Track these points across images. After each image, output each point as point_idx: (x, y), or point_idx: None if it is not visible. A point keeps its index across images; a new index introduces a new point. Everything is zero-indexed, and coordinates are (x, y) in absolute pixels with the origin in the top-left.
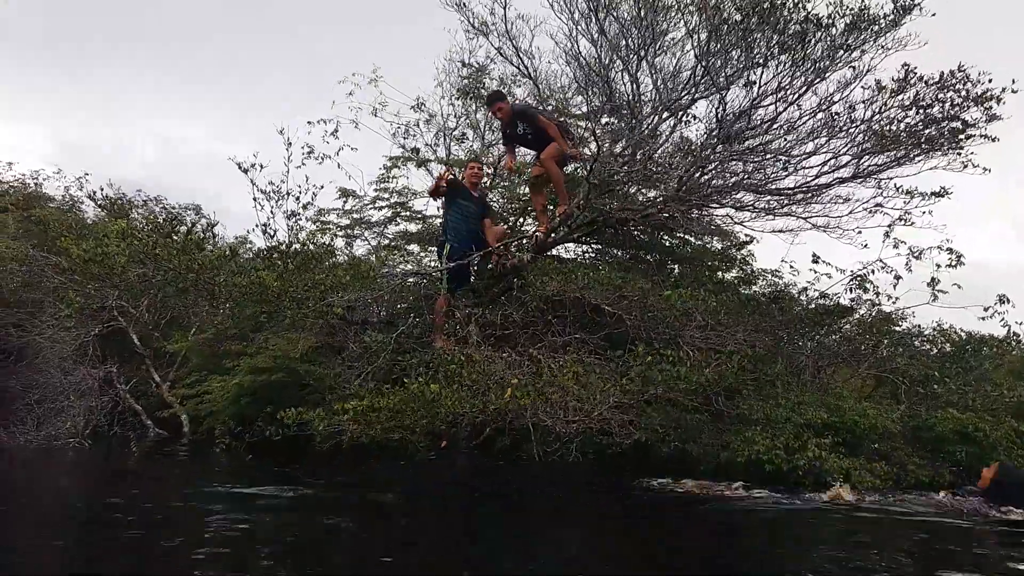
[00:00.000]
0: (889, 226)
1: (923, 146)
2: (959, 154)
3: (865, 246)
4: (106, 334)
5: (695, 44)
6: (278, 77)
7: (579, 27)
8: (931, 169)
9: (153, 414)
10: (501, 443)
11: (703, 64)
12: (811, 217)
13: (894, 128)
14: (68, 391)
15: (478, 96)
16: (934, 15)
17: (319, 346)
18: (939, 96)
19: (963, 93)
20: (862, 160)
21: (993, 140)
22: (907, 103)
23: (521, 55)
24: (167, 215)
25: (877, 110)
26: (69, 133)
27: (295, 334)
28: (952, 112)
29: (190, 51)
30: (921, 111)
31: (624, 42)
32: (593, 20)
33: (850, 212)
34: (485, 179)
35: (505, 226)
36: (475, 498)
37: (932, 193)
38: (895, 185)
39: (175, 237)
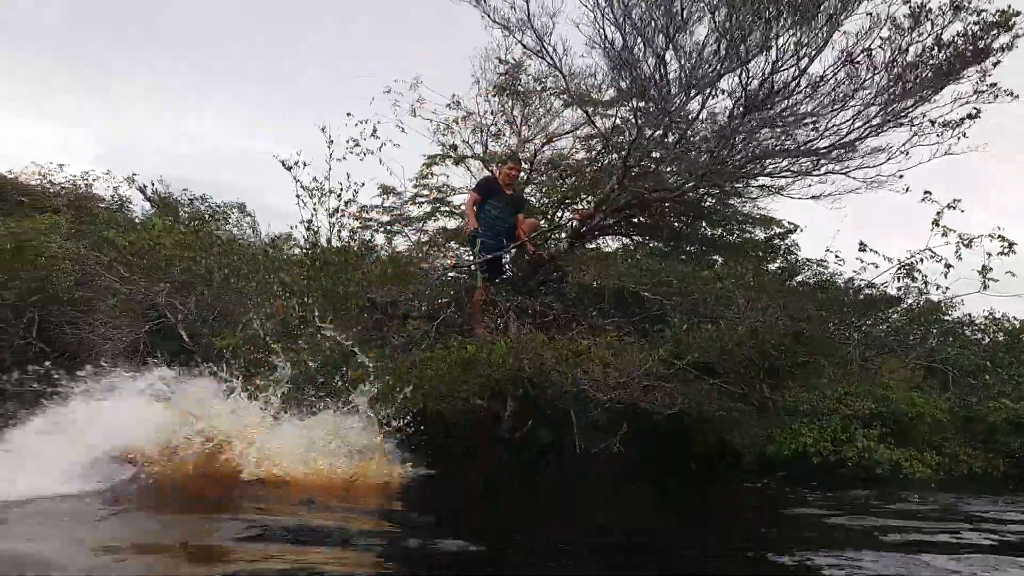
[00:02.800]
0: (938, 212)
1: (949, 79)
2: (983, 78)
3: (907, 190)
4: (155, 331)
5: (715, 21)
6: (313, 72)
7: (604, 13)
8: (963, 103)
9: None
10: (544, 438)
11: (726, 39)
12: (850, 171)
13: (917, 70)
14: None
15: (514, 93)
16: None
17: (364, 340)
18: (956, 28)
19: (980, 22)
20: (889, 106)
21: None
22: (927, 40)
23: (545, 45)
24: (212, 213)
25: (896, 50)
26: (111, 133)
27: (339, 328)
28: (972, 42)
29: (229, 51)
30: (941, 49)
31: (650, 23)
32: (617, 3)
33: (888, 159)
34: (523, 174)
35: (541, 219)
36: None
37: (966, 116)
38: (929, 121)
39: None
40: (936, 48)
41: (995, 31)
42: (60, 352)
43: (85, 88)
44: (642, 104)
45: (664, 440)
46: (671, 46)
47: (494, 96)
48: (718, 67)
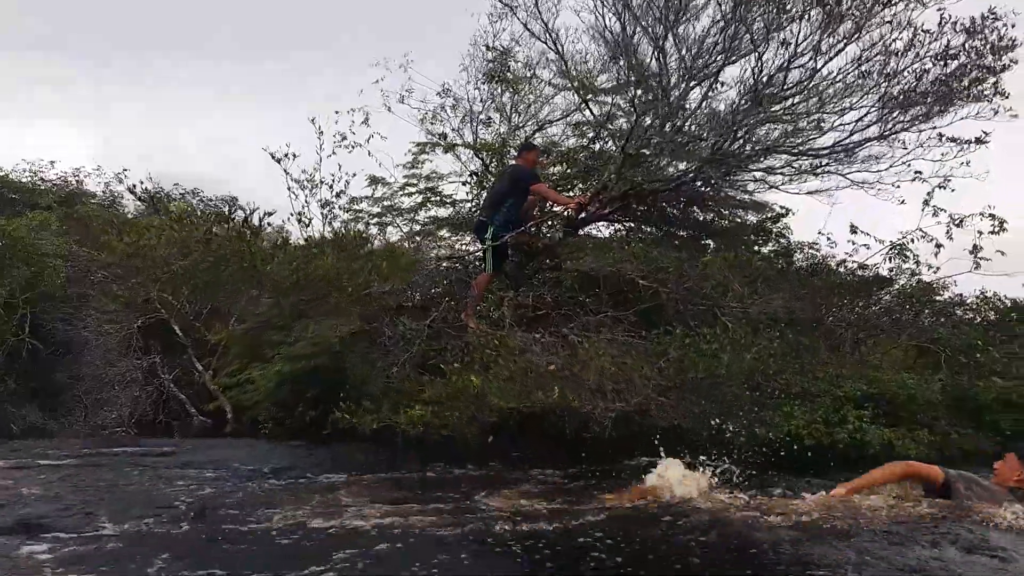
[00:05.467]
0: (928, 193)
1: (944, 102)
2: (978, 100)
3: (902, 202)
4: (148, 326)
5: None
6: (301, 63)
7: (604, 1)
8: (962, 119)
9: (197, 403)
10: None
11: (730, 30)
12: (849, 173)
13: (919, 84)
14: (114, 382)
15: (503, 79)
16: None
17: (357, 332)
18: (967, 45)
19: (984, 40)
20: (893, 115)
21: (1005, 95)
22: (938, 54)
23: (549, 31)
24: (204, 208)
25: (909, 62)
26: (110, 131)
27: (333, 320)
28: (975, 61)
29: (223, 45)
30: (946, 64)
31: (650, 12)
32: None
33: (889, 167)
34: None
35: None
36: None
37: (974, 139)
38: (939, 134)
39: (232, 223)
40: (944, 62)
41: (994, 53)
42: (53, 349)
43: (78, 86)
44: (640, 93)
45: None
46: (671, 35)
47: (483, 83)
48: (720, 58)
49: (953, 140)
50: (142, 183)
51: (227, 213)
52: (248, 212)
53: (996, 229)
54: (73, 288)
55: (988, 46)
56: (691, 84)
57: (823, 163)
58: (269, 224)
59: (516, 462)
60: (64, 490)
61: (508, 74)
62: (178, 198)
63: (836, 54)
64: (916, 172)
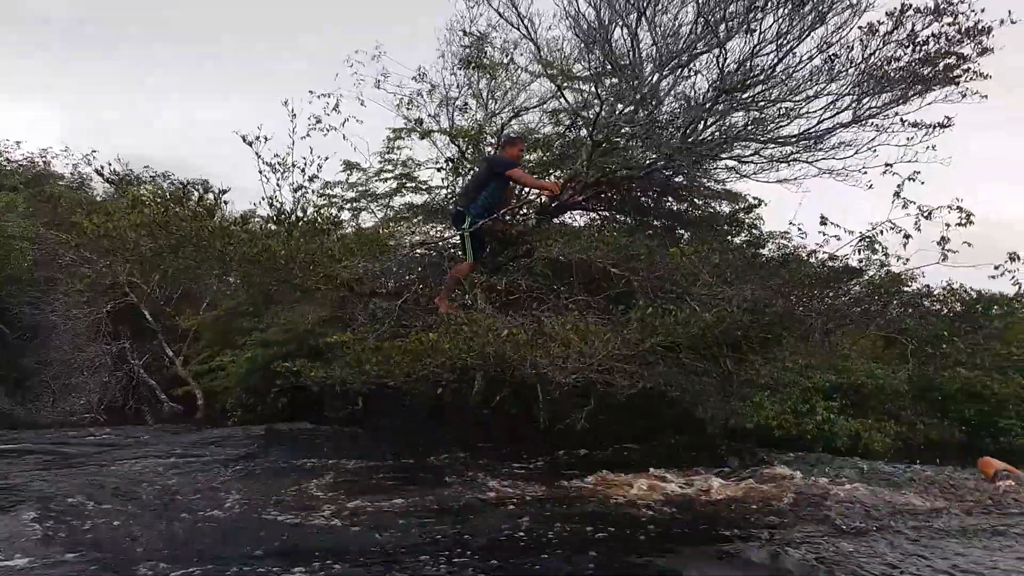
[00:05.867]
0: (899, 185)
1: (918, 86)
2: (956, 85)
3: (870, 186)
4: (118, 311)
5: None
6: (278, 47)
7: None
8: (929, 104)
9: (167, 390)
10: (512, 406)
11: (703, 18)
12: (816, 161)
13: (891, 67)
14: (82, 367)
15: (480, 65)
16: None
17: (328, 319)
18: (933, 30)
19: (956, 27)
20: (862, 101)
21: (985, 77)
22: (903, 40)
23: (523, 19)
24: (175, 189)
25: (874, 50)
26: (81, 113)
27: (305, 307)
28: (947, 48)
29: (203, 30)
30: (917, 49)
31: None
32: None
33: (855, 152)
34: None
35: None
36: None
37: (937, 124)
38: (900, 119)
39: (188, 203)
40: (912, 47)
41: (970, 38)
42: (20, 333)
43: (50, 69)
44: (614, 81)
45: (629, 413)
46: (644, 21)
47: (459, 69)
48: (693, 46)
49: (915, 125)
50: (110, 164)
51: (181, 193)
52: (202, 191)
53: (963, 221)
54: (40, 271)
55: (962, 31)
56: (664, 72)
57: (792, 151)
58: (226, 202)
59: (487, 452)
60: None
61: (485, 60)
62: (148, 180)
63: (799, 43)
64: (886, 164)
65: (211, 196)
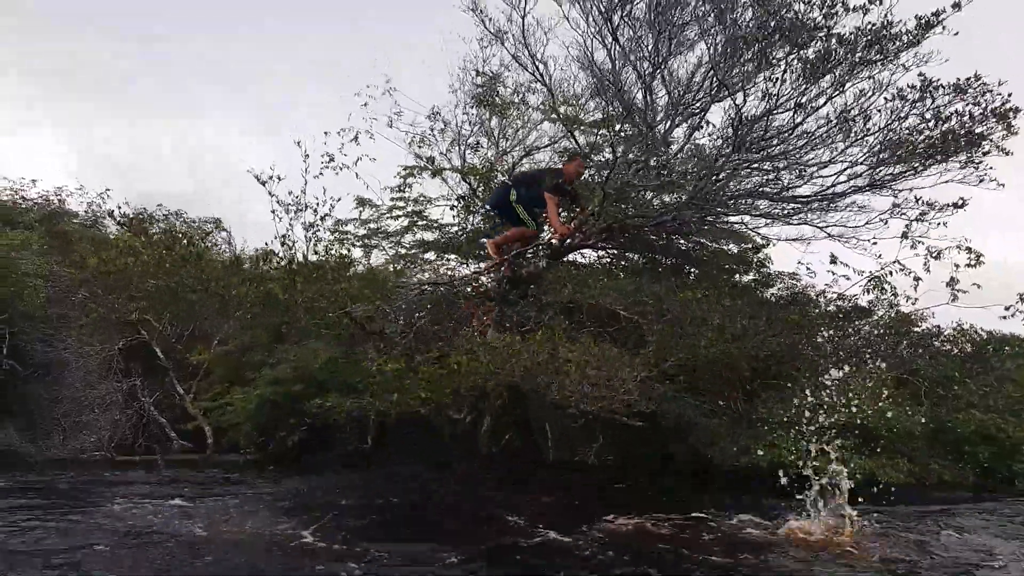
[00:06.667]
0: (907, 226)
1: (938, 157)
2: (976, 168)
3: (879, 256)
4: (129, 348)
5: (710, 48)
6: (288, 79)
7: (593, 34)
8: (946, 182)
9: (177, 426)
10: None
11: (716, 72)
12: (827, 226)
13: (912, 138)
14: (93, 404)
15: (492, 104)
16: (956, 34)
17: (338, 357)
18: (956, 108)
19: (981, 104)
20: (878, 169)
21: (1007, 154)
22: (926, 113)
23: (536, 62)
24: (187, 229)
25: (894, 118)
26: (96, 147)
27: (315, 345)
28: (969, 126)
29: (218, 61)
30: (939, 123)
31: (638, 49)
32: (607, 28)
33: (866, 223)
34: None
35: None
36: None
37: (951, 204)
38: (915, 196)
39: (177, 248)
40: (935, 121)
41: (992, 121)
42: (32, 370)
43: (63, 100)
44: (626, 127)
45: (639, 448)
46: (659, 73)
47: (472, 107)
48: (707, 97)
49: (930, 205)
50: (119, 207)
51: (173, 237)
52: (188, 236)
53: (972, 262)
54: (54, 309)
55: (987, 111)
56: (677, 121)
57: (801, 209)
58: (214, 243)
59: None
60: None
61: (497, 99)
62: (161, 219)
63: (816, 109)
64: (895, 206)
65: (200, 240)
